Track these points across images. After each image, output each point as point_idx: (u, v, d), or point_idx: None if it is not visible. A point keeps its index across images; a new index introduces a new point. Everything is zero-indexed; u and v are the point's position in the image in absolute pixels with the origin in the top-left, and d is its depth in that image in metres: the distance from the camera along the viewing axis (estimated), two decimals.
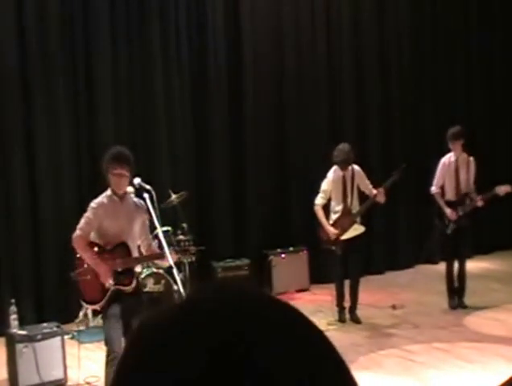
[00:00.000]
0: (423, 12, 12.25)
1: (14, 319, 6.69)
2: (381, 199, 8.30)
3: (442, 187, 8.82)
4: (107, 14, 9.54)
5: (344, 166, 8.24)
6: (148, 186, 6.70)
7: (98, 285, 5.75)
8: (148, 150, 9.85)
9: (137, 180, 6.85)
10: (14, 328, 6.64)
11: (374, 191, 8.32)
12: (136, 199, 6.11)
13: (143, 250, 6.09)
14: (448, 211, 8.66)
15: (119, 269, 5.83)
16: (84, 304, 5.96)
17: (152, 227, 7.47)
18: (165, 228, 8.14)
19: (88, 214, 5.78)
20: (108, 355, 5.70)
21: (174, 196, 8.62)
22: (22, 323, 6.98)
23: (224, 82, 10.52)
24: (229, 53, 10.57)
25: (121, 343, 5.66)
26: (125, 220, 5.87)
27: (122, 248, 5.87)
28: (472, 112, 12.55)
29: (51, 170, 9.14)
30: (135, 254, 6.02)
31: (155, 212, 6.68)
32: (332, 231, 8.26)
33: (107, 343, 5.74)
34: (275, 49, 10.96)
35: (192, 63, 10.29)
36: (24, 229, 8.88)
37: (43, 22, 9.12)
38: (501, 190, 8.70)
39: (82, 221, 5.78)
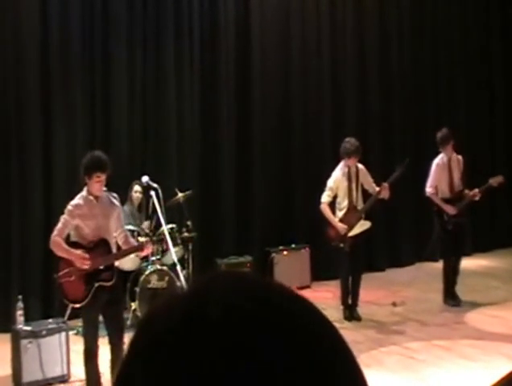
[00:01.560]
0: (424, 9, 12.30)
1: (20, 315, 6.72)
2: (386, 194, 8.34)
3: (435, 187, 8.99)
4: (125, 17, 9.68)
5: (356, 155, 8.26)
6: (155, 185, 6.77)
7: (82, 285, 5.86)
8: (157, 150, 9.95)
9: (145, 178, 6.94)
10: (20, 324, 6.67)
11: (378, 189, 8.38)
12: (109, 194, 6.16)
13: (120, 243, 6.19)
14: (447, 207, 8.83)
15: (101, 267, 5.94)
16: (67, 303, 6.04)
17: (158, 224, 7.57)
18: (170, 225, 8.23)
19: (65, 216, 5.91)
20: (85, 352, 5.84)
21: (180, 194, 8.70)
22: (29, 319, 7.03)
23: (232, 83, 10.61)
24: (238, 54, 10.68)
25: (98, 341, 5.85)
26: (102, 218, 5.98)
27: (103, 245, 5.99)
28: (472, 111, 12.61)
29: (65, 170, 9.18)
30: (114, 249, 6.15)
31: (161, 210, 6.76)
32: (341, 226, 8.28)
33: (85, 341, 5.86)
34: (282, 50, 11.07)
35: (202, 68, 10.40)
36: (33, 227, 8.92)
37: (65, 25, 9.25)
38: (495, 181, 8.96)
39: (59, 224, 5.92)
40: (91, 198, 5.94)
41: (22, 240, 8.91)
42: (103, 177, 5.89)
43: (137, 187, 8.60)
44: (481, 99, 12.82)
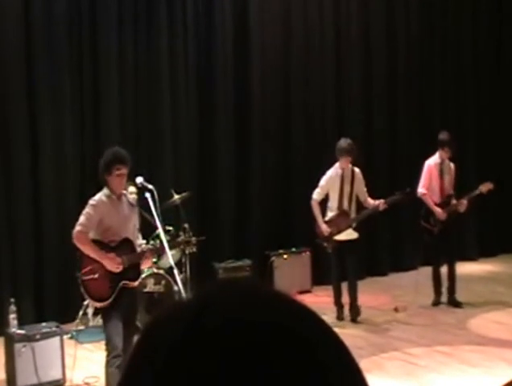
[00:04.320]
0: (433, 9, 12.24)
1: (13, 319, 6.67)
2: (381, 208, 8.40)
3: (427, 189, 9.02)
4: (115, 8, 9.54)
5: (347, 155, 8.27)
6: (150, 186, 6.67)
7: (107, 282, 5.78)
8: (151, 150, 9.86)
9: (139, 179, 6.82)
10: (13, 328, 6.62)
11: (371, 201, 8.41)
12: (129, 197, 6.18)
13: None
14: (437, 210, 8.86)
15: (126, 265, 5.86)
16: (92, 302, 5.91)
17: (154, 227, 7.45)
18: (167, 228, 8.11)
19: (88, 210, 5.81)
20: (109, 355, 5.69)
21: (176, 196, 8.58)
22: (22, 323, 6.95)
23: (229, 82, 10.51)
24: (236, 52, 10.56)
25: (122, 342, 5.67)
26: (123, 218, 5.94)
27: (126, 244, 5.94)
28: (481, 112, 12.54)
29: (54, 170, 9.13)
30: (138, 249, 6.12)
31: (157, 212, 6.65)
32: (324, 228, 8.34)
33: (108, 342, 5.73)
34: (282, 46, 10.96)
35: (198, 62, 10.28)
36: (25, 229, 8.85)
37: (50, 19, 9.12)
38: (485, 187, 9.00)
39: (82, 218, 5.80)
40: (114, 197, 5.89)
41: (11, 243, 8.83)
42: (124, 170, 5.82)
43: (131, 189, 8.36)
44: (490, 99, 12.71)
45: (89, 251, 5.74)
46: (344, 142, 8.35)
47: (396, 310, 8.94)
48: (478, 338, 7.73)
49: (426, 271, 11.14)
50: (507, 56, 12.91)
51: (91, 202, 5.85)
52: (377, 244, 11.18)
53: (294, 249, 10.33)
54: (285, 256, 10.17)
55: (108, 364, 5.68)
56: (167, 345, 0.66)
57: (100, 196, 5.88)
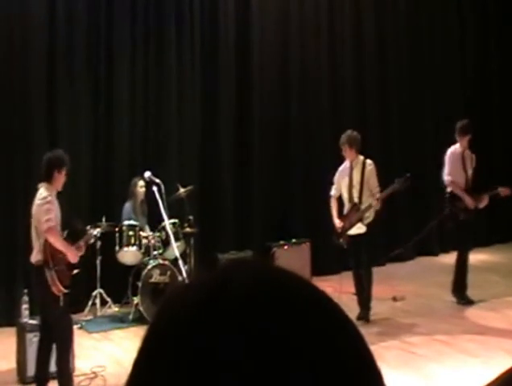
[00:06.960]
0: (420, 11, 12.40)
1: (25, 309, 6.78)
2: (378, 205, 8.10)
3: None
4: (128, 16, 9.82)
5: (347, 145, 8.04)
6: (157, 180, 6.81)
7: (68, 271, 6.07)
8: (158, 146, 10.00)
9: (147, 174, 6.97)
10: (25, 318, 6.73)
11: (378, 195, 8.12)
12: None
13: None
14: (467, 198, 8.57)
15: None
16: (62, 289, 6.01)
17: (160, 219, 7.60)
18: (172, 220, 8.27)
19: (47, 206, 5.96)
20: (66, 343, 5.98)
21: (181, 190, 8.73)
22: (33, 313, 7.07)
23: (232, 81, 10.67)
24: (238, 52, 10.75)
25: None
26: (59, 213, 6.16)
27: (70, 237, 6.27)
28: (469, 108, 12.68)
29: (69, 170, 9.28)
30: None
31: (163, 205, 6.79)
32: (336, 223, 8.17)
33: (66, 330, 5.98)
34: (281, 56, 11.19)
35: (203, 71, 10.49)
36: None
37: (71, 28, 9.38)
38: (503, 191, 8.76)
39: (45, 214, 5.95)
40: (54, 193, 6.08)
41: (26, 234, 8.92)
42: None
43: (141, 182, 8.63)
44: (480, 99, 12.88)
45: (60, 243, 6.00)
46: (345, 134, 8.15)
47: (395, 299, 9.04)
48: (476, 327, 7.78)
49: (423, 261, 11.34)
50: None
51: (45, 199, 5.97)
52: (375, 235, 11.29)
53: (294, 240, 10.45)
54: (285, 247, 10.31)
55: (67, 354, 6.03)
56: (185, 326, 0.65)
57: (47, 193, 6.01)
